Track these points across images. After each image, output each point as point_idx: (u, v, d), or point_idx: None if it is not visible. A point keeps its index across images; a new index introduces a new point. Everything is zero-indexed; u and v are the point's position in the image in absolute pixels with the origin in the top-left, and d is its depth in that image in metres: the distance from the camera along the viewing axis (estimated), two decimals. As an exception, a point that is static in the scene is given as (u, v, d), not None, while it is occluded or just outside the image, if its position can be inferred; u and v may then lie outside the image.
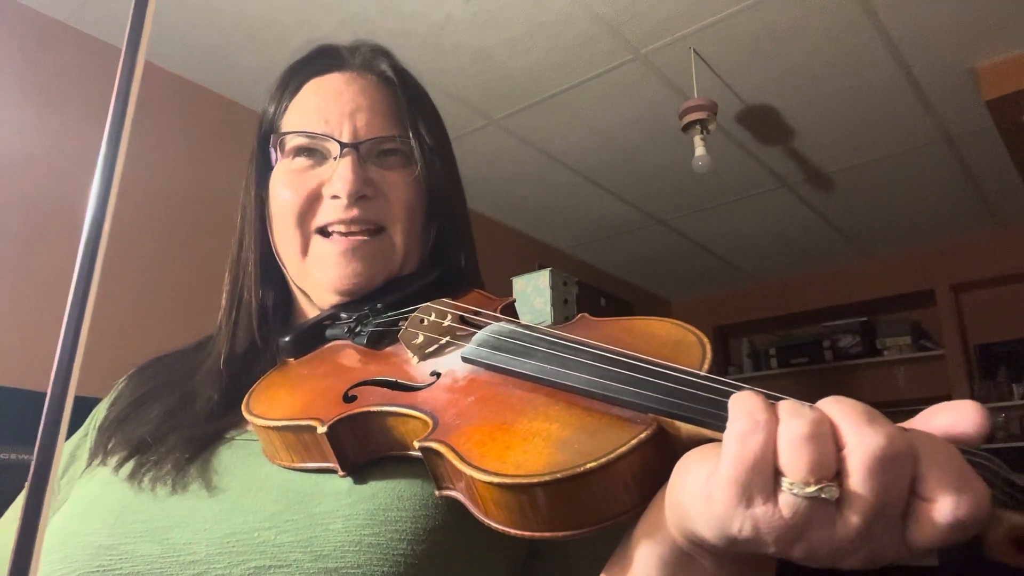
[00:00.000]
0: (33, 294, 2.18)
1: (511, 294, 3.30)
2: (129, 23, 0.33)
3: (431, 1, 2.35)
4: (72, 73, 2.39)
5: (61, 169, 2.30)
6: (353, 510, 0.51)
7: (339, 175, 0.65)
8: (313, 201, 0.66)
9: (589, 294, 3.61)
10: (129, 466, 0.59)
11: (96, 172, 0.31)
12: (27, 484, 0.29)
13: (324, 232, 0.66)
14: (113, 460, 0.60)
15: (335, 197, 0.65)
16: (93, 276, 0.30)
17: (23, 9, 2.29)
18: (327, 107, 0.68)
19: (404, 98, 0.70)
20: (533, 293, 3.19)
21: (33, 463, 0.29)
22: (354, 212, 0.65)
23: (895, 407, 4.57)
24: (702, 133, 2.66)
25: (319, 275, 0.66)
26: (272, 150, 0.69)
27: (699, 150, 2.67)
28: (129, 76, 0.32)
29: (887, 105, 3.04)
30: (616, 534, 0.45)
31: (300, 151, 0.68)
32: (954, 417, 0.34)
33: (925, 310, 4.83)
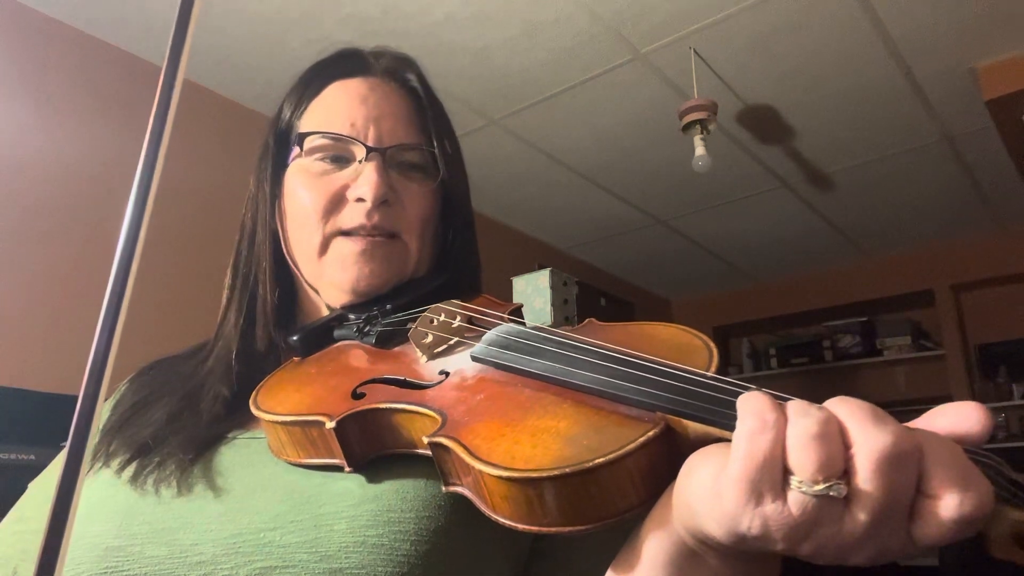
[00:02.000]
0: (33, 294, 2.18)
1: (511, 294, 3.30)
2: (170, 43, 0.33)
3: (431, 1, 2.35)
4: (71, 72, 2.39)
5: (60, 169, 2.30)
6: (358, 511, 0.51)
7: (365, 178, 0.65)
8: (337, 203, 0.67)
9: (589, 294, 3.61)
10: (131, 469, 0.59)
11: (134, 184, 0.32)
12: (56, 484, 0.29)
13: (346, 233, 0.67)
14: (115, 463, 0.60)
15: (360, 200, 0.66)
16: (128, 280, 0.30)
17: (22, 9, 2.29)
18: (352, 110, 0.68)
19: (430, 109, 0.71)
20: (533, 293, 3.19)
21: (65, 459, 0.29)
22: (375, 218, 0.66)
23: (895, 407, 4.55)
24: (702, 133, 2.66)
25: (335, 274, 0.67)
26: (293, 147, 0.70)
27: (699, 150, 2.67)
28: (169, 94, 0.32)
29: (887, 105, 3.04)
30: (621, 534, 0.45)
31: (322, 151, 0.68)
32: (957, 417, 0.35)
33: (925, 310, 4.84)
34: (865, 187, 3.79)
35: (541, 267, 3.31)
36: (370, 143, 0.67)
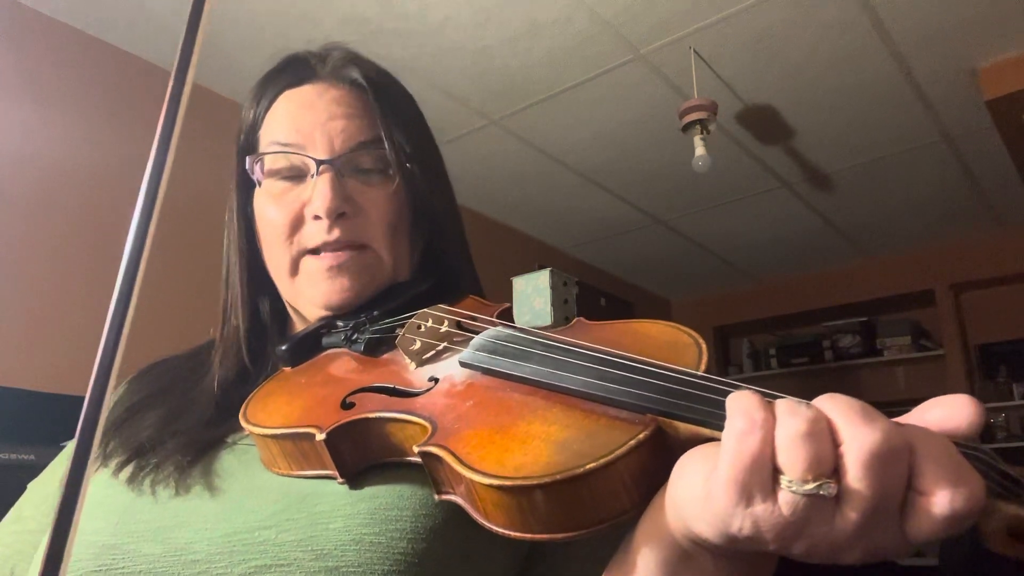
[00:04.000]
0: (32, 294, 2.18)
1: (511, 294, 3.29)
2: (179, 48, 0.34)
3: (431, 1, 2.35)
4: (71, 72, 2.39)
5: (60, 169, 2.30)
6: (354, 509, 0.51)
7: (318, 193, 0.63)
8: (297, 224, 0.65)
9: (589, 294, 3.61)
10: (129, 469, 0.59)
11: (141, 188, 0.32)
12: (61, 488, 0.29)
13: (313, 251, 0.66)
14: (113, 463, 0.60)
15: (316, 218, 0.64)
16: (135, 282, 0.31)
17: (21, 8, 2.29)
18: (300, 120, 0.66)
19: (377, 105, 0.68)
20: (533, 293, 3.19)
21: (70, 463, 0.29)
22: (336, 233, 0.64)
23: (895, 407, 4.54)
24: (702, 133, 2.66)
25: (308, 292, 0.66)
26: (251, 171, 0.68)
27: (699, 150, 2.67)
28: (178, 98, 0.32)
29: (887, 105, 3.04)
30: (616, 534, 0.45)
31: (279, 173, 0.67)
32: (948, 411, 0.35)
33: (925, 310, 4.83)
34: (865, 187, 3.79)
35: (541, 267, 3.31)
36: (321, 152, 0.65)
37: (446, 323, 0.58)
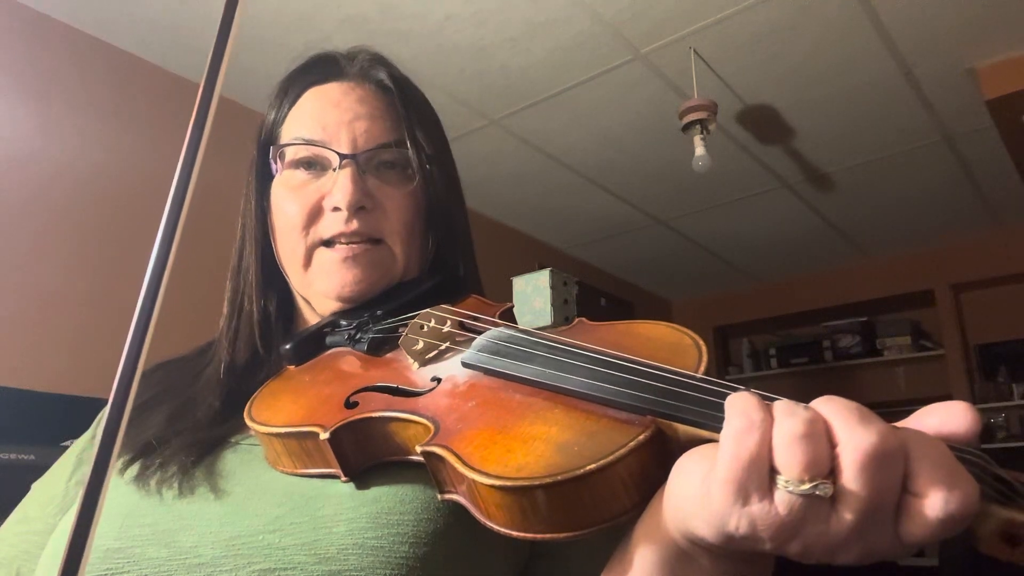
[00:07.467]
0: (32, 294, 2.18)
1: (511, 294, 3.29)
2: (208, 61, 0.34)
3: (431, 1, 2.35)
4: (79, 75, 2.39)
5: (60, 169, 2.30)
6: (356, 513, 0.51)
7: (339, 186, 0.65)
8: (315, 214, 0.67)
9: (589, 294, 3.61)
10: (134, 469, 0.59)
11: (169, 195, 0.33)
12: (84, 486, 0.29)
13: (328, 243, 0.67)
14: (119, 463, 0.61)
15: (336, 209, 0.65)
16: (160, 288, 0.31)
17: (23, 9, 2.29)
18: (325, 116, 0.68)
19: (402, 107, 0.70)
20: (533, 293, 3.19)
21: (92, 467, 0.29)
22: (354, 225, 0.65)
23: (895, 407, 4.56)
24: (702, 133, 2.66)
25: (321, 283, 0.67)
26: (272, 161, 0.69)
27: (699, 150, 2.67)
28: (206, 110, 0.33)
29: (887, 105, 3.04)
30: (616, 534, 0.45)
31: (300, 163, 0.68)
32: (946, 417, 0.35)
33: (925, 310, 4.83)
34: (865, 187, 3.79)
35: (541, 267, 3.31)
36: (344, 148, 0.66)
37: (449, 323, 0.59)
